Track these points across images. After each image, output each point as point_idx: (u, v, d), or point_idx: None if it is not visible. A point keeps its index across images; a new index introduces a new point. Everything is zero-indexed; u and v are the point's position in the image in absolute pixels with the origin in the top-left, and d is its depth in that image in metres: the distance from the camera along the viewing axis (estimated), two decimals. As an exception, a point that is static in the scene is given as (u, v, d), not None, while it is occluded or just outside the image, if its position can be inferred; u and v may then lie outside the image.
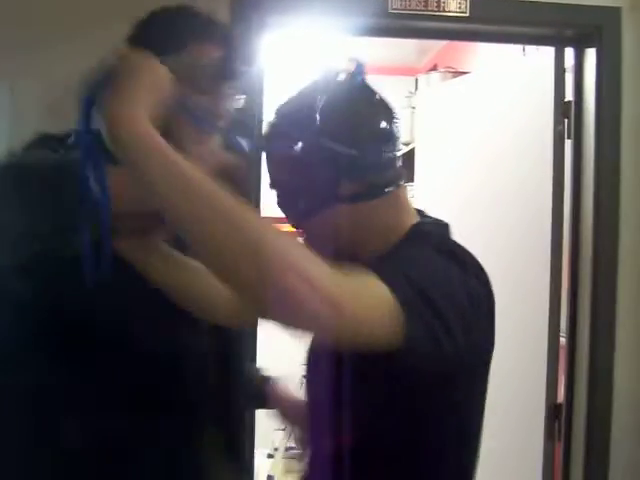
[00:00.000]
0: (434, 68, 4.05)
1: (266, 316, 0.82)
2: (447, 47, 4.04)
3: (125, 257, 1.02)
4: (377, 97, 1.04)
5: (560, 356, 2.39)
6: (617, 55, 2.15)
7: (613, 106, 2.15)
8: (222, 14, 1.82)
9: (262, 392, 1.47)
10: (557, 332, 2.40)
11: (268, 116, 1.07)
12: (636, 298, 2.17)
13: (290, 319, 0.80)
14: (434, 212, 1.11)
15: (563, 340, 2.36)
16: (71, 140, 1.01)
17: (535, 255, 2.47)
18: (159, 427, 1.13)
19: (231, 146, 1.10)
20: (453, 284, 0.92)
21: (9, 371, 1.11)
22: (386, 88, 1.05)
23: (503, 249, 2.56)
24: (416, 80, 4.18)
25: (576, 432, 2.24)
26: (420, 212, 1.09)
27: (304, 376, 1.13)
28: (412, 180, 3.35)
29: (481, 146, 2.85)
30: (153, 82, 0.87)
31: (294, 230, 1.04)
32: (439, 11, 2.09)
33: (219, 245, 0.78)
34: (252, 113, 1.81)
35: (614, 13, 2.15)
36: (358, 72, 1.03)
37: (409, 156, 3.39)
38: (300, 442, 1.38)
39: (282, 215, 1.05)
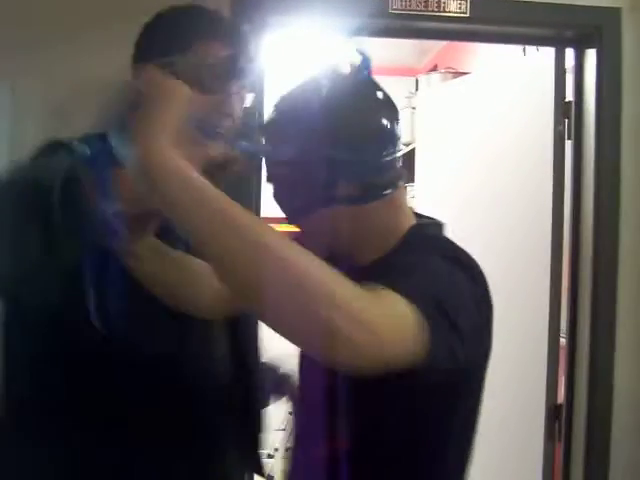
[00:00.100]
0: (434, 68, 4.06)
1: (299, 345, 0.79)
2: (447, 47, 4.04)
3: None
4: (381, 95, 1.01)
5: (560, 357, 2.39)
6: (617, 55, 2.15)
7: (613, 106, 2.15)
8: (223, 14, 1.82)
9: (282, 389, 1.47)
10: (557, 333, 2.40)
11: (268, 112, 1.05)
12: (636, 298, 2.17)
13: (328, 351, 0.75)
14: (434, 212, 1.11)
15: (563, 341, 2.36)
16: (83, 152, 0.98)
17: (535, 255, 2.47)
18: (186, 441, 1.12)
19: (235, 149, 1.08)
20: (464, 294, 0.90)
21: (25, 384, 1.11)
22: (386, 89, 1.03)
23: (503, 249, 2.56)
24: (416, 80, 4.18)
25: (576, 432, 2.24)
26: (414, 212, 1.08)
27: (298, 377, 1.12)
28: (412, 181, 3.35)
29: (481, 146, 2.85)
30: (182, 111, 0.83)
31: (293, 230, 1.03)
32: (439, 11, 2.09)
33: (258, 280, 0.73)
34: (253, 112, 1.80)
35: (614, 14, 2.15)
36: (364, 66, 0.99)
37: (409, 156, 3.39)
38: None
39: (282, 215, 1.04)
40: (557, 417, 2.35)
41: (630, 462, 2.15)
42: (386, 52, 3.92)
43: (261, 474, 1.46)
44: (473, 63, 3.57)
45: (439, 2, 2.09)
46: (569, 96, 2.33)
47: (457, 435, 1.01)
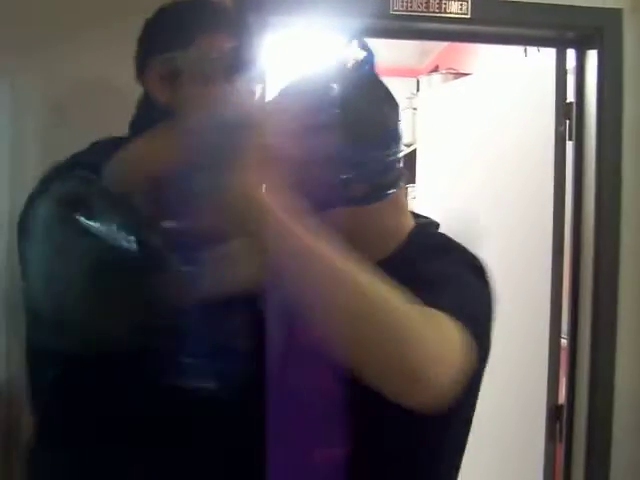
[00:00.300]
0: (436, 69, 4.06)
1: (380, 387, 0.76)
2: (448, 48, 4.04)
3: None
4: (383, 92, 0.99)
5: (561, 357, 2.38)
6: (618, 56, 2.15)
7: (614, 107, 2.15)
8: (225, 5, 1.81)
9: None
10: (558, 333, 2.40)
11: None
12: (637, 299, 2.17)
13: (412, 395, 0.75)
14: (435, 213, 1.11)
15: (564, 341, 2.36)
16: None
17: (536, 256, 2.47)
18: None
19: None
20: (490, 308, 0.92)
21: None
22: (388, 89, 1.03)
23: (504, 250, 2.55)
24: (417, 81, 4.19)
25: (577, 433, 2.24)
26: (411, 212, 1.08)
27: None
28: (413, 181, 3.35)
29: (482, 147, 2.85)
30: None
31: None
32: (440, 12, 2.09)
33: (361, 333, 0.74)
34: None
35: (615, 15, 2.15)
36: (367, 61, 0.97)
37: (410, 157, 3.39)
38: None
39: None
40: (558, 417, 2.35)
41: (631, 462, 2.15)
42: (387, 53, 3.90)
43: None
44: (474, 64, 3.57)
45: (440, 3, 2.09)
46: (570, 97, 2.33)
47: (456, 435, 1.01)
